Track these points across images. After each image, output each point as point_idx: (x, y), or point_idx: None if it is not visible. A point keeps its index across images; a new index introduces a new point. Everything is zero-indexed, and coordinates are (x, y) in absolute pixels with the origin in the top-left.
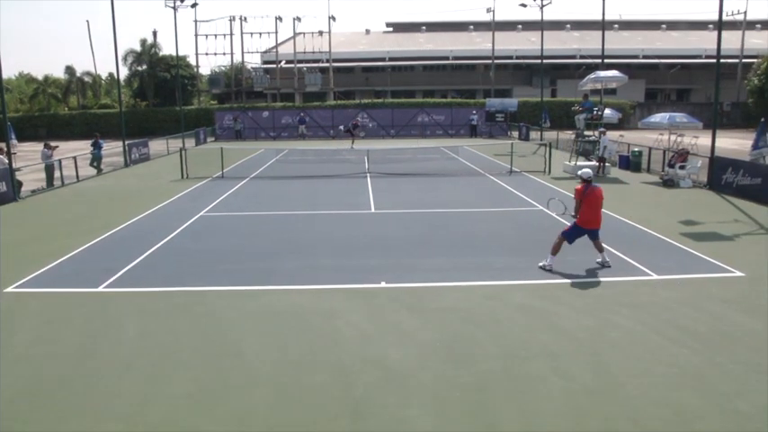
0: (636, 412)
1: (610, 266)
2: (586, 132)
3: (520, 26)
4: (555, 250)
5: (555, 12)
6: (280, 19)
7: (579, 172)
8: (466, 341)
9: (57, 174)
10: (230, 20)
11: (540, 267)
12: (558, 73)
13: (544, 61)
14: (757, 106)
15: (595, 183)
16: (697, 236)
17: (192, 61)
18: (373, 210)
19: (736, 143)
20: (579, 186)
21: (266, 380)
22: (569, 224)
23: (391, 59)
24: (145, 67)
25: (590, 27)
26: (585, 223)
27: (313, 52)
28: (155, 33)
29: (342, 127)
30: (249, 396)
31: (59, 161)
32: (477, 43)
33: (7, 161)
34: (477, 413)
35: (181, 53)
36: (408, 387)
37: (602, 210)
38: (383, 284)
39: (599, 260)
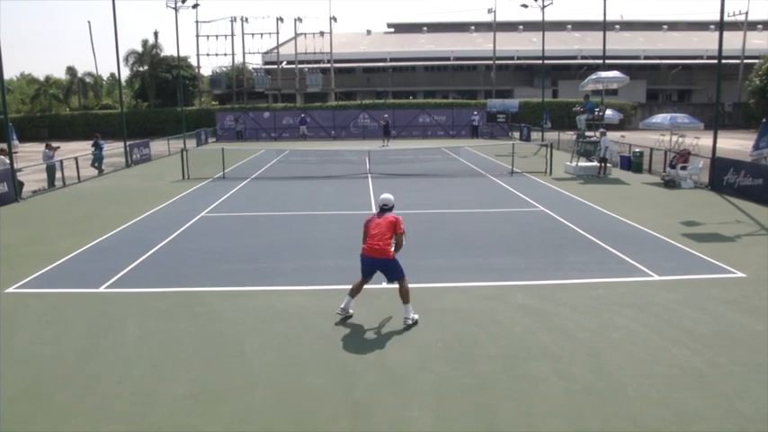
0: (636, 413)
1: (414, 324)
2: (587, 133)
3: (521, 27)
4: (353, 291)
5: (556, 12)
6: (281, 20)
7: (381, 196)
8: (466, 342)
9: (58, 174)
10: (231, 21)
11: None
12: (560, 73)
13: (545, 62)
14: (758, 107)
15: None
16: (698, 236)
17: (194, 62)
18: (374, 210)
19: (737, 144)
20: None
21: (267, 380)
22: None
23: (392, 60)
24: (146, 67)
25: (591, 28)
26: (366, 250)
27: (314, 53)
28: (156, 34)
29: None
30: (250, 396)
31: (61, 162)
32: (479, 44)
33: (9, 162)
34: (478, 414)
35: (182, 54)
36: (409, 388)
37: (606, 211)
38: (384, 285)
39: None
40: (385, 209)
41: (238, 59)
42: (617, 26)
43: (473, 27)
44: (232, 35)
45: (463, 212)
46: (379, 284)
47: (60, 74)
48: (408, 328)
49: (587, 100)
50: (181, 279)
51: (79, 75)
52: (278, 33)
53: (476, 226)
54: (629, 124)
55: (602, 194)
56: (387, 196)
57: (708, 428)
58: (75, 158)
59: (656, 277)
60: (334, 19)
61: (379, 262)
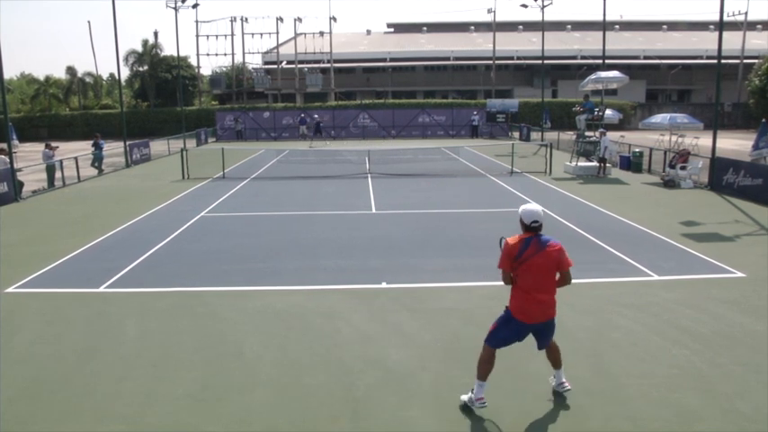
0: (636, 413)
1: (568, 390)
2: (587, 133)
3: (521, 27)
4: (483, 372)
5: (556, 12)
6: (281, 19)
7: (520, 210)
8: (466, 342)
9: (58, 174)
10: (231, 20)
11: (464, 403)
12: (559, 73)
13: (545, 62)
14: (758, 107)
15: (546, 235)
16: (698, 236)
17: (194, 62)
18: (374, 210)
19: (736, 144)
20: (513, 239)
21: (267, 380)
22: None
23: (392, 60)
24: (146, 67)
25: (591, 27)
26: (522, 312)
27: (314, 53)
28: (156, 34)
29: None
30: (250, 396)
31: (60, 162)
32: (478, 44)
33: (9, 161)
34: (478, 413)
35: (182, 54)
36: (409, 388)
37: (605, 211)
38: (384, 285)
39: (553, 379)
40: (536, 227)
41: (238, 59)
42: (617, 26)
43: (473, 27)
44: (232, 35)
45: (463, 212)
46: (379, 284)
47: (60, 74)
48: (404, 335)
49: (587, 100)
50: (180, 279)
51: (79, 75)
52: (278, 33)
53: (476, 226)
54: (629, 124)
55: (601, 194)
56: (534, 208)
57: (708, 428)
58: (75, 158)
59: (656, 277)
60: (334, 19)
61: (548, 325)
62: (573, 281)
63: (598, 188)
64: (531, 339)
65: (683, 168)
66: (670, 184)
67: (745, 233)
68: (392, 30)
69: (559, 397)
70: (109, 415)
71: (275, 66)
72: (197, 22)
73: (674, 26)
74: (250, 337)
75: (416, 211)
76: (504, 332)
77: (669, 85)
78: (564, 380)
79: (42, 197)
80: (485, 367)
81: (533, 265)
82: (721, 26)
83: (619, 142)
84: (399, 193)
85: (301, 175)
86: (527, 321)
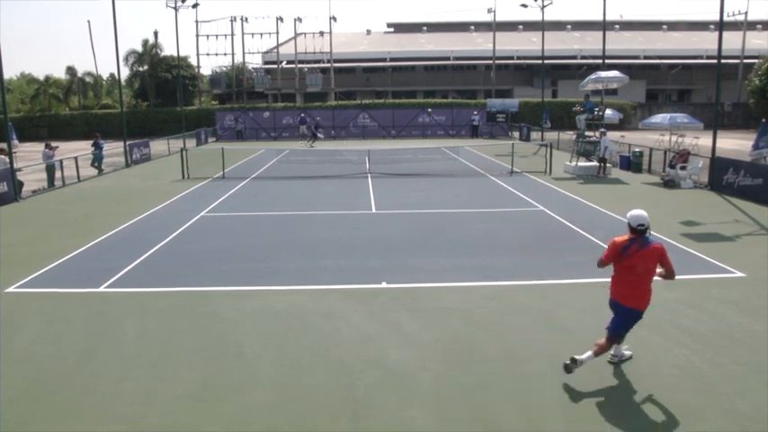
0: (637, 413)
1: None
2: (587, 133)
3: (521, 26)
4: (597, 352)
5: (556, 12)
6: (281, 19)
7: (628, 214)
8: (466, 341)
9: (58, 174)
10: (231, 20)
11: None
12: (559, 73)
13: (545, 62)
14: (758, 107)
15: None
16: (698, 236)
17: (194, 61)
18: (374, 210)
19: (736, 144)
20: (621, 238)
21: (267, 380)
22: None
23: (392, 60)
24: (146, 67)
25: (591, 27)
26: (625, 298)
27: (314, 53)
28: (156, 34)
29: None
30: (250, 396)
31: (60, 161)
32: (478, 44)
33: (8, 161)
34: (478, 414)
35: (182, 53)
36: (409, 387)
37: (605, 211)
38: (384, 285)
39: (614, 353)
40: (641, 230)
41: (238, 59)
42: (617, 26)
43: (473, 27)
44: (232, 35)
45: (463, 212)
46: (379, 284)
47: (60, 74)
48: (401, 334)
49: (587, 100)
50: (181, 279)
51: (79, 74)
52: (278, 33)
53: (476, 226)
54: (629, 124)
55: (601, 194)
56: (640, 213)
57: (709, 428)
58: (75, 158)
59: (656, 277)
60: (334, 19)
61: (633, 313)
62: (572, 280)
63: (598, 188)
64: (535, 342)
65: (683, 168)
66: (670, 184)
67: (746, 233)
68: (392, 30)
69: (561, 397)
70: (109, 415)
71: (275, 66)
72: (197, 21)
73: (674, 26)
74: (250, 337)
75: (416, 211)
76: (612, 316)
77: (669, 85)
78: (616, 352)
79: (42, 197)
80: (600, 350)
81: (632, 262)
82: (721, 26)
83: (619, 142)
84: (399, 193)
85: (301, 175)
86: (619, 300)
